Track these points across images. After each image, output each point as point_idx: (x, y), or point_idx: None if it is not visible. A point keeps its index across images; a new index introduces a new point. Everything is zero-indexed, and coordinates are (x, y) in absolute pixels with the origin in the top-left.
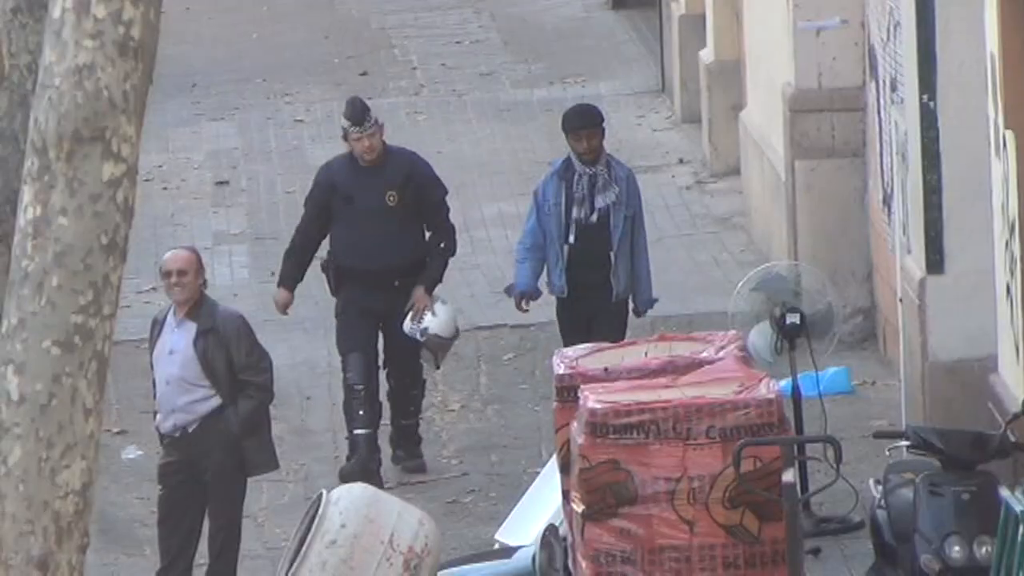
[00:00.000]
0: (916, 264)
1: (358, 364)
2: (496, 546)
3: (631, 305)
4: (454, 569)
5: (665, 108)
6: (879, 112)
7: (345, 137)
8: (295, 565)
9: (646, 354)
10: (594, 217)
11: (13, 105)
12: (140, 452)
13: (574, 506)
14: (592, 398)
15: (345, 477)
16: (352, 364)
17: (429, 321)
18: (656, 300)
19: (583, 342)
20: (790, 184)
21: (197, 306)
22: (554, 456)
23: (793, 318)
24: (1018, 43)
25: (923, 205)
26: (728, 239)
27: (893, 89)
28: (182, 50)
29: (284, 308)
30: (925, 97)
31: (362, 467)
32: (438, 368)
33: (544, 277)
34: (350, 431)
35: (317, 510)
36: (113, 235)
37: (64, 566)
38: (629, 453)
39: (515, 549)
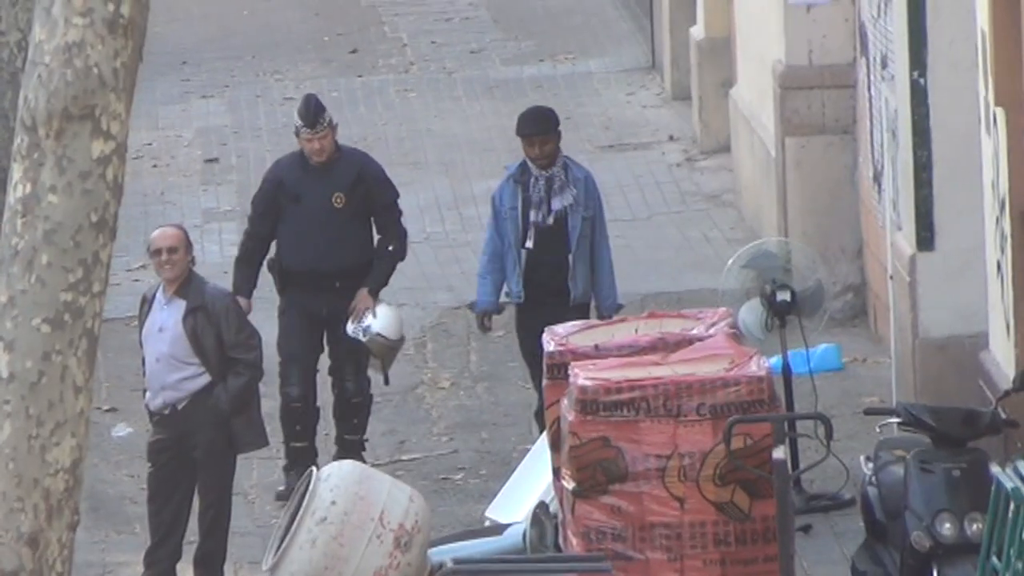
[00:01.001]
0: (906, 241)
1: (297, 377)
2: (486, 523)
3: (594, 308)
4: (444, 546)
5: (655, 85)
6: (869, 89)
7: (297, 134)
8: (285, 542)
9: (636, 331)
10: (551, 220)
11: (3, 83)
12: (130, 430)
13: (564, 483)
14: (582, 375)
15: (281, 496)
16: (292, 377)
17: (371, 321)
18: (622, 305)
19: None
20: (780, 161)
21: (186, 284)
22: (544, 433)
23: (783, 295)
24: (1008, 20)
25: (913, 182)
26: (718, 216)
27: (883, 66)
28: (172, 28)
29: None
30: (915, 74)
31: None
32: (387, 381)
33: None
34: (287, 443)
35: (307, 487)
36: (103, 213)
37: (54, 543)
38: (619, 430)
39: (505, 526)
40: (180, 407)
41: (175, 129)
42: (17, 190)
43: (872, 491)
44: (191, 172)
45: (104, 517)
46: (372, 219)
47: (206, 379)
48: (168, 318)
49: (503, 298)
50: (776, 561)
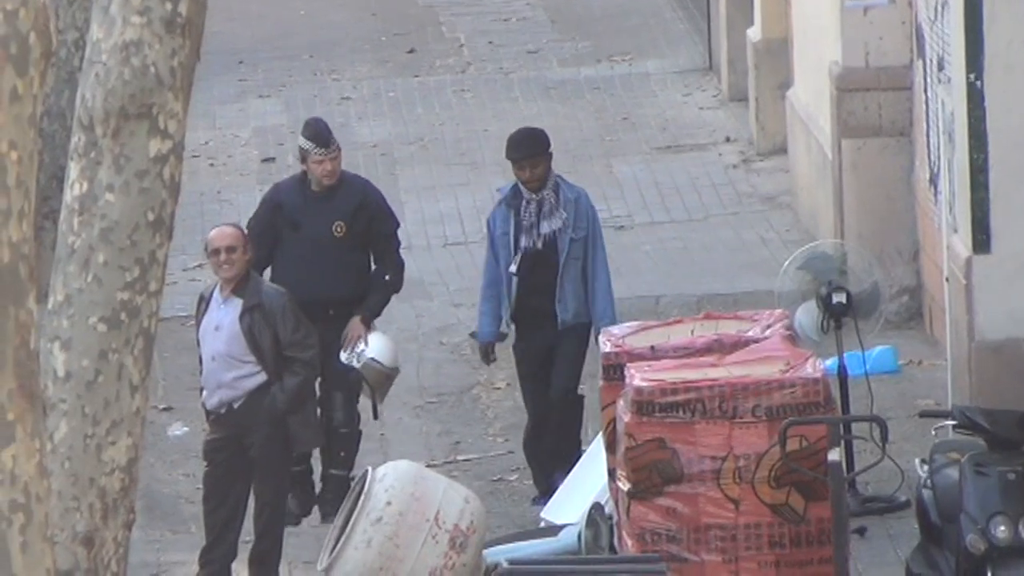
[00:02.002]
0: (962, 243)
1: None
2: (541, 524)
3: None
4: (500, 547)
5: (712, 86)
6: (926, 91)
7: (303, 159)
8: (340, 542)
9: (692, 332)
10: (540, 244)
11: (60, 81)
12: (186, 429)
13: (620, 484)
14: (638, 376)
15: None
16: None
17: (365, 348)
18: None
19: (542, 373)
20: (837, 163)
21: (243, 283)
22: (600, 434)
23: (839, 297)
24: None
25: (969, 185)
26: (774, 218)
27: (940, 68)
28: (229, 27)
29: None
30: (972, 76)
31: (301, 509)
32: (376, 414)
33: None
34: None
35: (363, 487)
36: (159, 212)
37: (110, 542)
38: (675, 431)
39: (561, 527)
40: (236, 406)
41: (232, 128)
42: (74, 188)
43: (927, 494)
44: (248, 171)
45: (159, 516)
46: (370, 248)
47: (262, 378)
48: (225, 317)
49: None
50: (831, 563)
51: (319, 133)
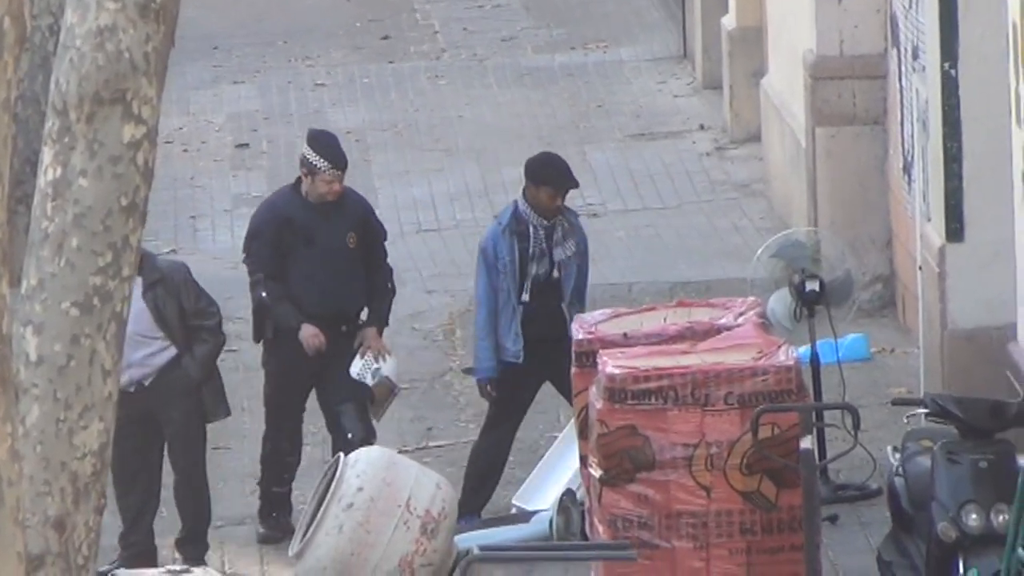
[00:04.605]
0: (936, 232)
1: (291, 430)
2: (513, 510)
3: None
4: (471, 533)
5: (686, 74)
6: (900, 80)
7: (309, 173)
8: (311, 528)
9: (665, 320)
10: (555, 272)
11: (34, 67)
12: None
13: (591, 471)
14: (610, 363)
15: (265, 539)
16: (284, 431)
17: (382, 364)
18: None
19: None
20: (810, 151)
21: (139, 261)
22: (572, 421)
23: (812, 285)
24: None
25: (943, 173)
26: (748, 205)
27: (915, 57)
28: (204, 12)
29: (319, 342)
30: (946, 65)
31: (282, 530)
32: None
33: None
34: (268, 487)
35: (334, 473)
36: (133, 197)
37: (81, 527)
38: (647, 418)
39: (532, 513)
40: (147, 383)
41: (206, 114)
42: (47, 174)
43: (899, 482)
44: (221, 157)
45: None
46: (369, 257)
47: (172, 352)
48: None
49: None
50: (802, 551)
51: (337, 155)
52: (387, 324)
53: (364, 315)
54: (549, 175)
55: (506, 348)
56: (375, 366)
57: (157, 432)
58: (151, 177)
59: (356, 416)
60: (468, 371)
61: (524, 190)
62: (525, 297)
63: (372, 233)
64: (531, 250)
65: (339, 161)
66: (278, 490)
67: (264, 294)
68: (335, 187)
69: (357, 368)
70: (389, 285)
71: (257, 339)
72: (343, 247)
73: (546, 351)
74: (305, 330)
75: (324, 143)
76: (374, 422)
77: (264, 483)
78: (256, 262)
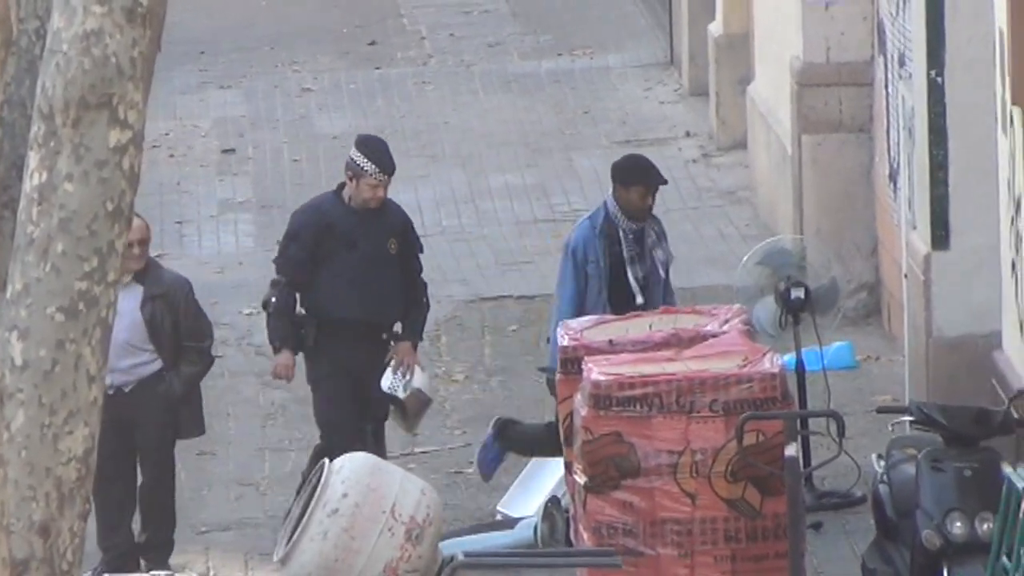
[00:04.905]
0: (921, 240)
1: (351, 447)
2: (498, 517)
3: None
4: (456, 539)
5: (673, 81)
6: (887, 87)
7: (354, 176)
8: (296, 534)
9: (650, 327)
10: (663, 272)
11: (21, 71)
12: None
13: (576, 478)
14: (596, 370)
15: None
16: (343, 450)
17: (416, 377)
18: None
19: None
20: (796, 158)
21: (144, 270)
22: (558, 428)
23: (798, 292)
24: None
25: (929, 181)
26: (733, 213)
27: (901, 64)
28: (190, 17)
29: (288, 374)
30: (933, 72)
31: None
32: (412, 433)
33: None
34: None
35: (319, 479)
36: (118, 202)
37: (65, 532)
38: (632, 425)
39: (517, 520)
40: (127, 389)
41: (192, 119)
42: (33, 178)
43: (883, 489)
44: (208, 162)
45: None
46: (405, 268)
47: (157, 365)
48: (124, 304)
49: None
50: (786, 558)
51: (385, 159)
52: (421, 339)
53: (398, 327)
54: (638, 174)
55: None
56: (406, 379)
57: (132, 436)
58: (137, 182)
59: (373, 434)
60: (544, 370)
61: (613, 194)
62: (640, 300)
63: (409, 244)
64: (625, 253)
65: (386, 165)
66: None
67: (273, 299)
68: (379, 192)
69: (388, 382)
70: (424, 300)
71: (298, 347)
72: (385, 253)
73: None
74: (282, 357)
75: (372, 147)
76: (409, 432)
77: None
78: (285, 265)
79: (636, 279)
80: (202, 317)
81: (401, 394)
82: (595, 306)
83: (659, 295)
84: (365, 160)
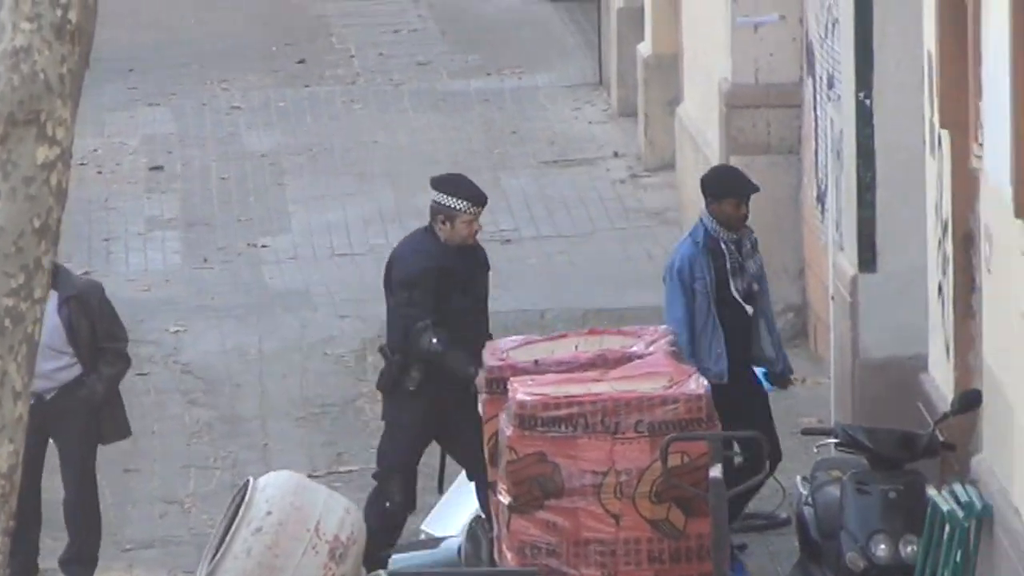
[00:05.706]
0: (848, 261)
1: (408, 490)
2: (422, 536)
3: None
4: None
5: (602, 101)
6: (815, 109)
7: (447, 219)
8: (220, 552)
9: (576, 347)
10: (755, 285)
11: None
12: None
13: (501, 498)
14: (521, 390)
15: None
16: (405, 489)
17: None
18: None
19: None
20: None
21: (54, 274)
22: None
23: None
24: (954, 42)
25: (857, 203)
26: (661, 233)
27: (830, 86)
28: (120, 34)
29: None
30: (861, 95)
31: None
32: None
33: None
34: (376, 551)
35: (243, 497)
36: (46, 218)
37: None
38: (557, 446)
39: (441, 540)
40: (48, 397)
41: (121, 136)
42: None
43: (808, 511)
44: (136, 179)
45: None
46: None
47: (78, 370)
48: None
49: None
50: None
51: (474, 192)
52: None
53: None
54: (728, 185)
55: (708, 370)
56: None
57: (43, 448)
58: (64, 199)
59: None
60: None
61: (707, 208)
62: (749, 310)
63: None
64: (728, 264)
65: (478, 198)
66: (387, 555)
67: (435, 340)
68: (474, 227)
69: None
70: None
71: (388, 388)
72: (485, 293)
73: (739, 372)
74: (480, 378)
75: (456, 184)
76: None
77: (373, 546)
78: (421, 310)
79: (738, 290)
80: (116, 318)
81: None
82: (705, 323)
83: (765, 304)
84: (454, 199)
